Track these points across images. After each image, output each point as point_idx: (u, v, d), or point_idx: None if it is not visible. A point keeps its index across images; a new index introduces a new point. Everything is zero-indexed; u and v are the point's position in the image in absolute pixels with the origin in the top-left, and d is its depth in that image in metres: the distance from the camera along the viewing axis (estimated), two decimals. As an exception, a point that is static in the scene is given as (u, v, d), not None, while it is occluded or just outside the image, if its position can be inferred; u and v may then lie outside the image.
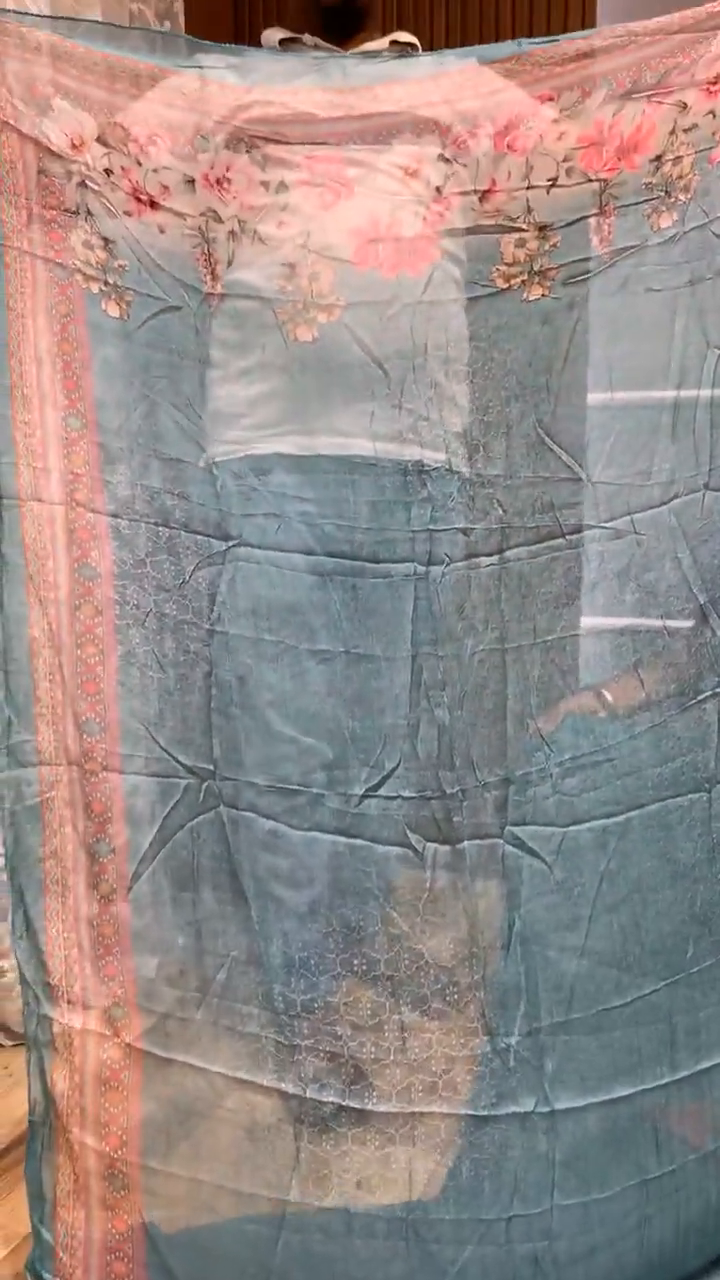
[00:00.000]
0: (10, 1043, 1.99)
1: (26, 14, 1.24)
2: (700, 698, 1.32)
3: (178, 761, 1.28)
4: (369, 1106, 1.28)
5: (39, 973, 1.28)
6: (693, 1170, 1.34)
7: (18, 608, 1.24)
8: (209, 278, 1.25)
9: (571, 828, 1.28)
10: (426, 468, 1.27)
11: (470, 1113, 1.28)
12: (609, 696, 1.32)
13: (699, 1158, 1.34)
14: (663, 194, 1.22)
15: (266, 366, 1.26)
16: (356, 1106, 1.28)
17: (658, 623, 1.29)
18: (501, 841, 1.27)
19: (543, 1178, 1.31)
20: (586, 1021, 1.30)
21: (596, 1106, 1.30)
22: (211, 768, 1.28)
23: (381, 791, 1.28)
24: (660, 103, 1.19)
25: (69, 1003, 1.28)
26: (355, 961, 1.29)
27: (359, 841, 1.29)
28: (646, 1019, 1.32)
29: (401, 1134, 1.29)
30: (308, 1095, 1.28)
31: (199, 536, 1.27)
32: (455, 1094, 1.27)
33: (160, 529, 1.26)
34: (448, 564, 1.28)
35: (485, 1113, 1.28)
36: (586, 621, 1.30)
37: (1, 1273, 1.45)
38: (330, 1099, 1.28)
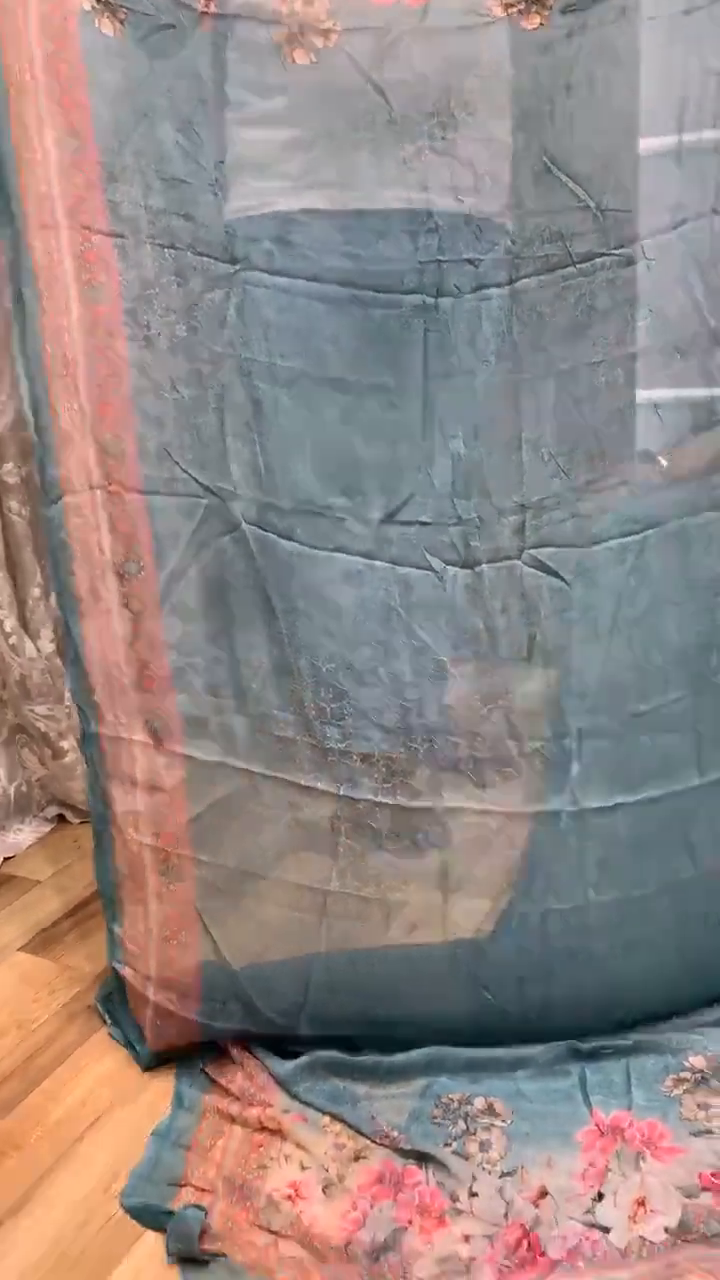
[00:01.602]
0: (78, 820, 2.15)
1: None
2: (714, 419, 1.29)
3: (198, 482, 1.32)
4: (401, 802, 1.34)
5: (85, 693, 1.38)
6: None
7: (35, 341, 1.29)
8: (203, -5, 1.24)
9: (590, 548, 1.28)
10: (433, 201, 1.24)
11: (500, 809, 1.32)
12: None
13: None
14: None
15: (269, 93, 1.24)
16: (389, 803, 1.34)
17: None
18: (520, 563, 1.28)
19: (576, 875, 1.35)
20: (611, 727, 1.32)
21: (625, 808, 1.33)
22: (232, 488, 1.32)
23: (400, 517, 1.30)
24: None
25: (114, 717, 1.38)
26: (381, 671, 1.33)
27: (380, 563, 1.31)
28: (671, 725, 1.32)
29: (435, 833, 1.34)
30: (342, 794, 1.35)
31: (206, 259, 1.28)
32: (484, 793, 1.32)
33: (167, 250, 1.28)
34: (457, 295, 1.26)
35: (515, 810, 1.32)
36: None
37: (80, 1003, 1.64)
38: (365, 796, 1.35)
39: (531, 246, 1.24)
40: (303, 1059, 1.42)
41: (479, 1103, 1.35)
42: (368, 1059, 1.42)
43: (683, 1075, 1.37)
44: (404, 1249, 1.16)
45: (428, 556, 1.30)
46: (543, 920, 1.36)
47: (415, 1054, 1.41)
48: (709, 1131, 1.28)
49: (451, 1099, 1.36)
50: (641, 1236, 1.14)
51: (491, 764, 1.32)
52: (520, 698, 1.30)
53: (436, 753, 1.32)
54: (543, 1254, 1.13)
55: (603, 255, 1.24)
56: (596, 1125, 1.30)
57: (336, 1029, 1.43)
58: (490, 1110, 1.34)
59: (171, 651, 1.35)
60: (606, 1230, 1.16)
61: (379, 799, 1.34)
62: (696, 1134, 1.27)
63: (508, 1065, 1.40)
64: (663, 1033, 1.43)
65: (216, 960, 1.41)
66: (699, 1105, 1.32)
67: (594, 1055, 1.41)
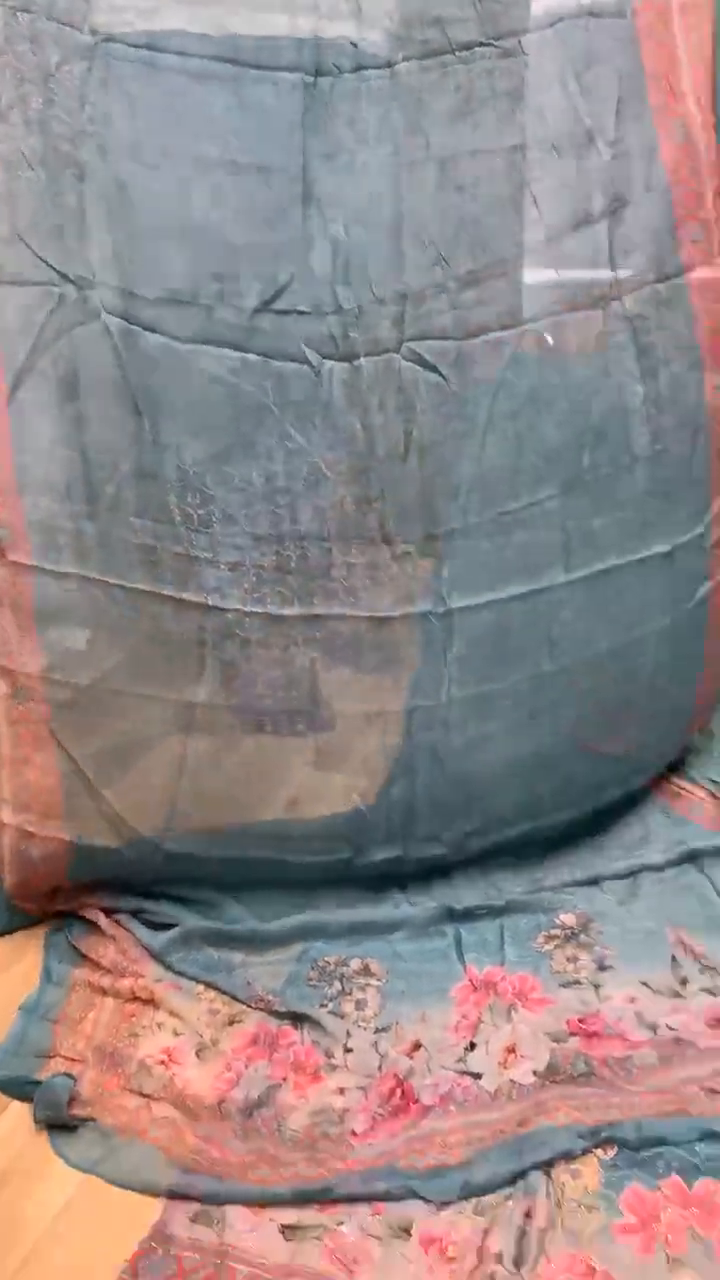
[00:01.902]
0: None
1: None
2: (591, 218, 1.27)
3: (53, 269, 1.20)
4: (271, 611, 1.29)
5: None
6: (583, 672, 1.37)
7: None
8: None
9: (468, 340, 1.23)
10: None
11: (370, 614, 1.29)
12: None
13: (590, 659, 1.37)
14: None
15: None
16: (259, 612, 1.29)
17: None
18: (398, 356, 1.22)
19: (440, 672, 1.33)
20: (483, 526, 1.29)
21: (492, 604, 1.31)
22: (91, 276, 1.20)
23: (276, 305, 1.21)
24: None
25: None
26: (253, 475, 1.25)
27: (253, 356, 1.23)
28: (541, 523, 1.30)
29: (304, 638, 1.30)
30: (210, 604, 1.28)
31: (65, 27, 1.15)
32: (355, 599, 1.27)
33: (19, 14, 1.14)
34: (337, 75, 1.19)
35: (384, 614, 1.28)
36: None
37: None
38: (233, 606, 1.28)
39: (411, 29, 1.19)
40: (175, 930, 1.39)
41: (355, 964, 1.35)
42: (242, 928, 1.40)
43: (553, 932, 1.39)
44: (278, 1104, 1.15)
45: (304, 349, 1.22)
46: (408, 717, 1.34)
47: (291, 920, 1.41)
48: (577, 982, 1.31)
49: (328, 962, 1.35)
50: (511, 1080, 1.16)
51: (364, 569, 1.27)
52: (394, 499, 1.24)
53: (309, 559, 1.26)
54: (415, 1101, 1.14)
55: (482, 45, 1.21)
56: (470, 981, 1.32)
57: (203, 847, 1.40)
58: (366, 971, 1.34)
59: (18, 453, 1.23)
60: (478, 1076, 1.18)
61: (248, 609, 1.28)
62: (565, 985, 1.30)
63: (384, 928, 1.41)
64: (535, 894, 1.46)
65: (78, 778, 1.34)
66: (568, 959, 1.35)
67: (469, 916, 1.42)
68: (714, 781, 1.68)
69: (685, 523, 1.39)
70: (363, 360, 1.22)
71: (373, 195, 1.20)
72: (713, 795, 1.66)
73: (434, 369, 1.22)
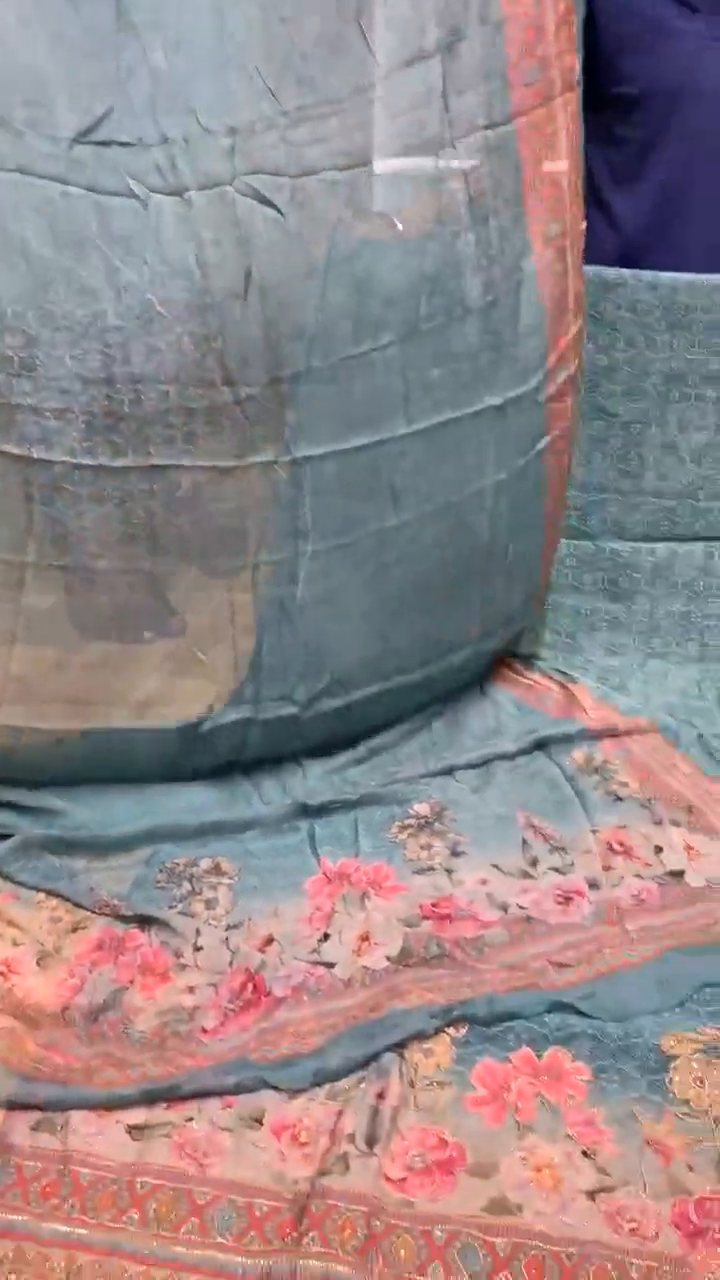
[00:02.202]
0: None
1: None
2: (425, 53, 1.18)
3: None
4: (103, 463, 1.19)
5: None
6: (427, 525, 1.35)
7: None
8: None
9: (303, 178, 1.15)
10: None
11: (212, 464, 1.21)
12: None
13: (432, 513, 1.35)
14: None
15: None
16: (90, 464, 1.19)
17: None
18: (232, 189, 1.13)
19: (287, 526, 1.28)
20: (326, 371, 1.23)
21: (337, 455, 1.26)
22: None
23: (95, 136, 1.10)
24: None
25: None
26: (79, 312, 1.13)
27: (75, 190, 1.11)
28: (382, 371, 1.25)
29: (140, 491, 1.21)
30: (35, 456, 1.17)
31: None
32: (195, 448, 1.19)
33: None
34: None
35: (228, 464, 1.22)
36: None
37: None
38: (61, 458, 1.18)
39: None
40: (14, 839, 1.31)
41: (205, 864, 1.31)
42: (84, 834, 1.34)
43: (407, 822, 1.39)
44: (124, 1007, 1.11)
45: (130, 181, 1.11)
46: (254, 572, 1.29)
47: (137, 825, 1.35)
48: (430, 869, 1.30)
49: (177, 863, 1.31)
50: (365, 967, 1.15)
51: (204, 415, 1.18)
52: (235, 340, 1.17)
53: (144, 404, 1.17)
54: (267, 994, 1.12)
55: None
56: (324, 874, 1.29)
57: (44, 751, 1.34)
58: (217, 870, 1.30)
59: None
60: (331, 965, 1.16)
61: (79, 460, 1.19)
62: (419, 872, 1.30)
63: (235, 828, 1.37)
64: (388, 786, 1.45)
65: None
66: (422, 847, 1.34)
67: (322, 811, 1.40)
68: (562, 673, 1.70)
69: (517, 376, 1.36)
70: (194, 193, 1.12)
71: (194, 24, 1.09)
72: (562, 686, 1.68)
73: (270, 204, 1.14)
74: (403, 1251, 0.87)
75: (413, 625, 1.42)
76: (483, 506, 1.39)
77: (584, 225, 1.38)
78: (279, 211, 1.14)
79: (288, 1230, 0.88)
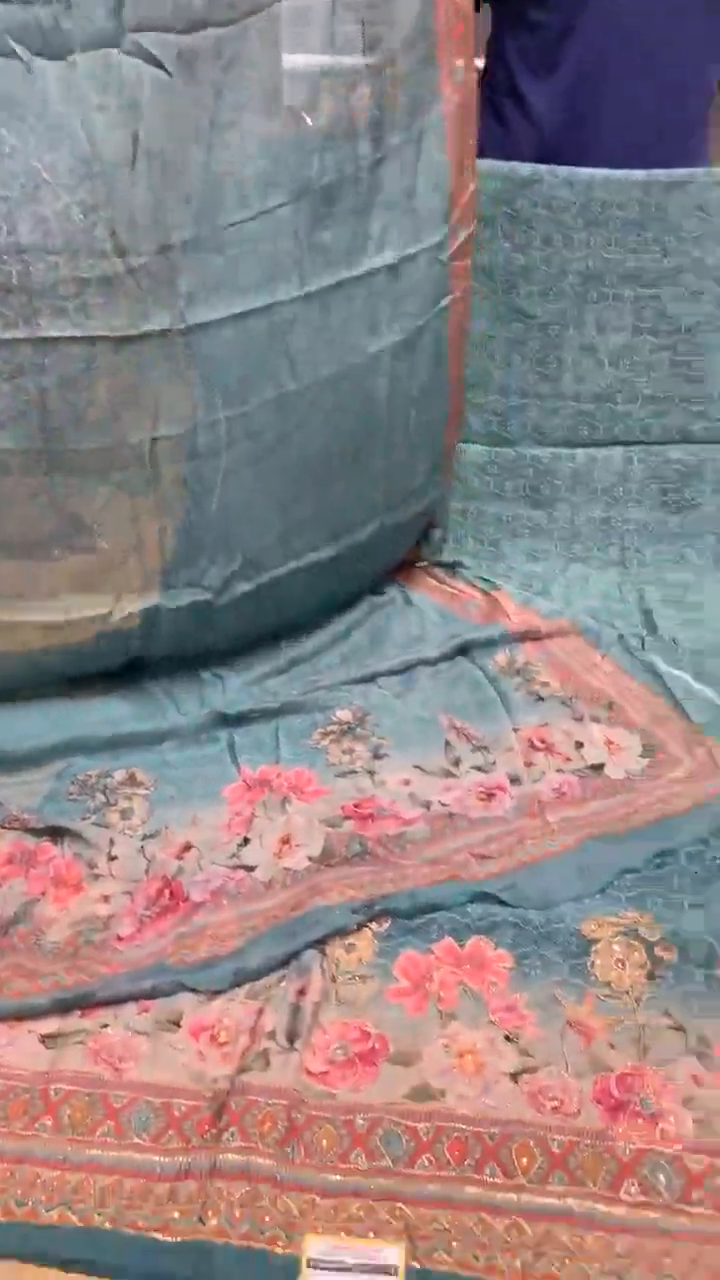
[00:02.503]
0: None
1: None
2: None
3: None
4: None
5: None
6: (325, 391, 1.31)
7: None
8: None
9: (191, 34, 1.06)
10: None
11: (105, 334, 1.15)
12: None
13: (330, 378, 1.30)
14: None
15: None
16: None
17: None
18: (118, 51, 1.05)
19: (185, 397, 1.23)
20: (216, 236, 1.17)
21: (231, 321, 1.21)
22: None
23: None
24: None
25: None
26: None
27: None
28: (273, 234, 1.20)
29: (30, 364, 1.14)
30: None
31: None
32: (88, 319, 1.13)
33: None
34: None
35: (122, 334, 1.15)
36: None
37: None
38: None
39: None
40: None
41: (119, 775, 1.27)
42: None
43: (329, 729, 1.36)
44: (35, 918, 1.07)
45: (10, 42, 1.03)
46: (151, 446, 1.23)
47: (47, 740, 1.30)
48: (352, 772, 1.28)
49: (90, 776, 1.27)
50: (286, 868, 1.13)
51: (97, 285, 1.12)
52: (124, 208, 1.10)
53: (32, 276, 1.10)
54: (185, 900, 1.09)
55: None
56: (244, 781, 1.26)
57: None
58: (132, 780, 1.26)
59: None
60: (251, 869, 1.13)
61: None
62: (341, 775, 1.27)
63: (151, 739, 1.33)
64: (310, 694, 1.41)
65: None
66: (344, 751, 1.32)
67: (242, 720, 1.36)
68: (485, 580, 1.69)
69: (414, 234, 1.32)
70: (79, 55, 1.04)
71: None
72: (484, 593, 1.66)
73: (158, 64, 1.06)
74: (324, 1141, 0.86)
75: (318, 497, 1.39)
76: (381, 370, 1.35)
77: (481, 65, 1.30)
78: (167, 72, 1.06)
79: (207, 1127, 0.87)
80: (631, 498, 1.72)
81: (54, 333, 1.12)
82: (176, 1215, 0.81)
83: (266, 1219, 0.80)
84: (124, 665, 1.40)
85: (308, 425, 1.31)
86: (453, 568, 1.71)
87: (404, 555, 1.67)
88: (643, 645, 1.51)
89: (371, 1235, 0.80)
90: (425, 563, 1.72)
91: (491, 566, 1.72)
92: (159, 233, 1.12)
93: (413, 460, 1.51)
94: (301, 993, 0.98)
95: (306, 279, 1.23)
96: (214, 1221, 0.80)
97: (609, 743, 1.31)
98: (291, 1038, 0.94)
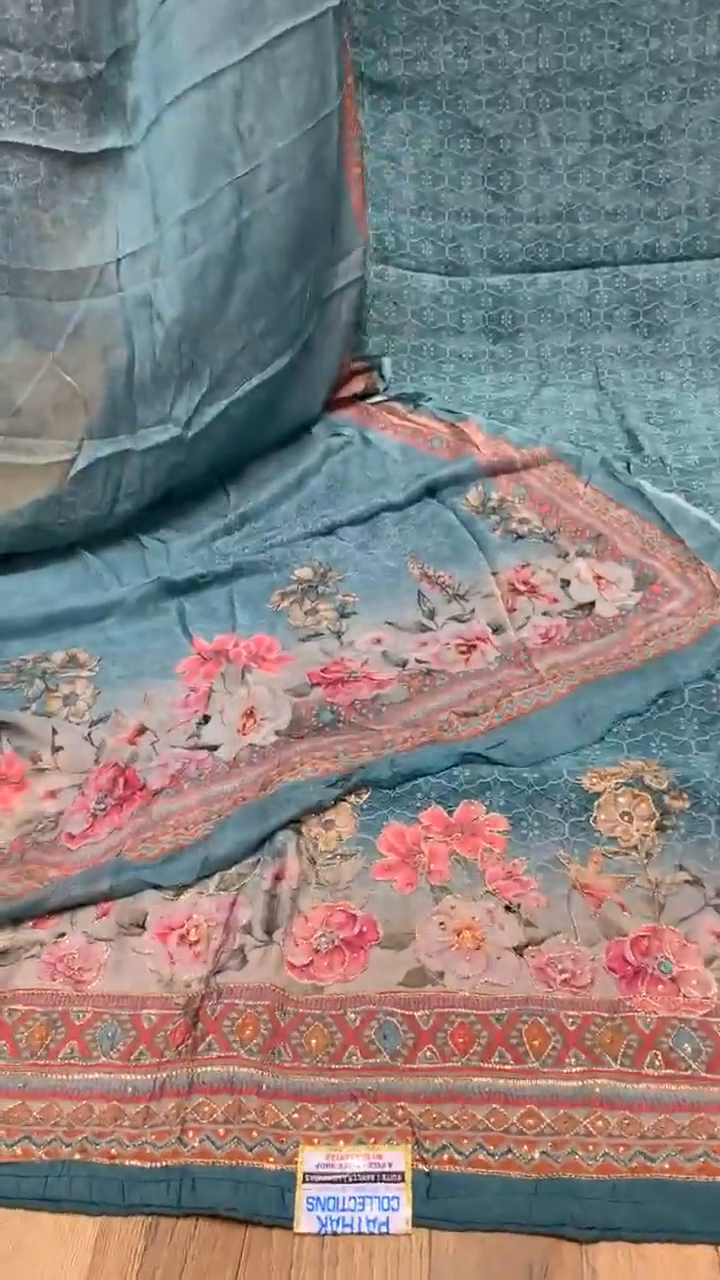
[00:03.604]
0: None
1: None
2: None
3: None
4: None
5: None
6: (280, 165, 1.22)
7: None
8: None
9: None
10: None
11: (67, 149, 1.10)
12: None
13: (287, 145, 1.22)
14: None
15: None
16: None
17: None
18: None
19: (143, 210, 1.16)
20: (156, 25, 1.12)
21: (178, 104, 1.14)
22: None
23: None
24: None
25: None
26: None
27: None
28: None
29: None
30: None
31: None
32: (50, 129, 1.08)
33: None
34: None
35: (81, 150, 1.11)
36: None
37: None
38: None
39: None
40: None
41: (59, 657, 1.14)
42: None
43: (289, 589, 1.23)
44: (-25, 824, 0.96)
45: None
46: (116, 267, 1.16)
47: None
48: (318, 634, 1.16)
49: (25, 660, 1.14)
50: (251, 745, 1.02)
51: (56, 91, 1.08)
52: (85, 4, 1.06)
53: None
54: (141, 788, 0.98)
55: None
56: (198, 653, 1.14)
57: None
58: (73, 662, 1.13)
59: None
60: (214, 749, 1.02)
61: None
62: (305, 639, 1.15)
63: (91, 615, 1.20)
64: (264, 553, 1.28)
65: None
66: (307, 613, 1.19)
67: (192, 587, 1.24)
68: (449, 412, 1.53)
69: None
70: None
71: None
72: (450, 425, 1.51)
73: None
74: (313, 1041, 0.77)
75: (273, 298, 1.31)
76: (330, 136, 1.28)
77: None
78: None
79: (181, 1038, 0.78)
80: (600, 323, 1.60)
81: (15, 138, 1.08)
82: (153, 1138, 0.72)
83: (254, 1134, 0.72)
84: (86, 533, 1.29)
85: (264, 214, 1.24)
86: (414, 400, 1.56)
87: (347, 361, 1.54)
88: (628, 467, 1.38)
89: (372, 1141, 0.71)
90: (382, 397, 1.56)
91: (456, 398, 1.57)
92: (115, 36, 1.09)
93: (339, 235, 1.42)
94: (278, 878, 0.88)
95: (249, 37, 1.16)
96: (196, 1142, 0.72)
97: (598, 578, 1.19)
98: (269, 929, 0.84)
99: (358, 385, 1.56)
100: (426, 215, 1.56)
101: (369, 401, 1.56)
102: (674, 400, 1.53)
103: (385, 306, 1.61)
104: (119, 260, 1.16)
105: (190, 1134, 0.72)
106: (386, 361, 1.59)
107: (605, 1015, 0.77)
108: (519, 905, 0.85)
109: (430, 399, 1.55)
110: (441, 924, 0.84)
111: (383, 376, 1.58)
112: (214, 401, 1.28)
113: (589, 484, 1.35)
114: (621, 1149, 0.70)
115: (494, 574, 1.22)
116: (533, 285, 1.58)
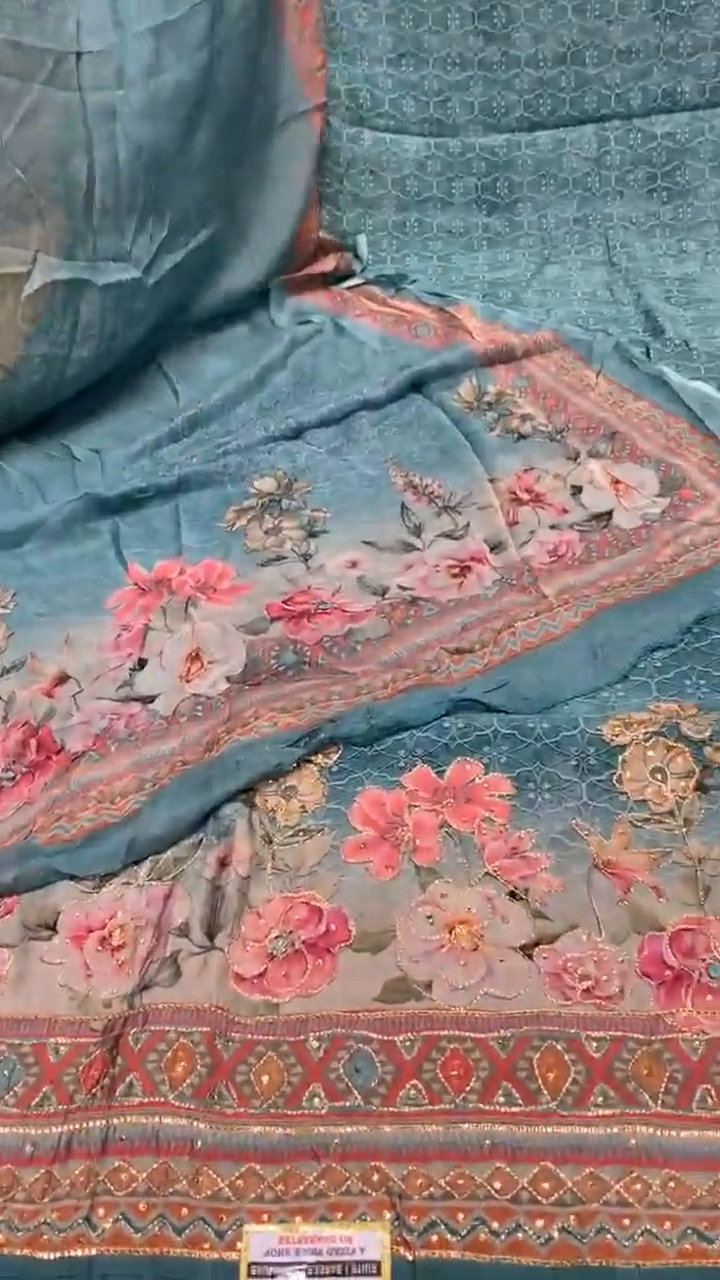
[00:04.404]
0: None
1: None
2: None
3: None
4: None
5: None
6: None
7: None
8: None
9: None
10: None
11: None
12: None
13: None
14: None
15: None
16: None
17: None
18: None
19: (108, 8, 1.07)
20: None
21: None
22: None
23: None
24: None
25: None
26: None
27: None
28: None
29: None
30: None
31: None
32: None
33: None
34: None
35: None
36: None
37: None
38: None
39: None
40: None
41: (-36, 592, 0.95)
42: None
43: (246, 505, 1.05)
44: None
45: None
46: (76, 62, 1.06)
47: None
48: (280, 558, 0.98)
49: None
50: (195, 695, 0.84)
51: None
52: None
53: None
54: (59, 751, 0.81)
55: None
56: (135, 583, 0.96)
57: None
58: (-18, 598, 0.95)
59: None
60: (150, 700, 0.84)
61: None
62: (265, 564, 0.97)
63: (8, 540, 1.02)
64: (217, 461, 1.09)
65: None
66: (267, 531, 1.01)
67: (129, 504, 1.05)
68: (440, 296, 1.34)
69: None
70: None
71: None
72: (439, 310, 1.31)
73: None
74: (265, 1078, 0.61)
75: (235, 139, 1.21)
76: None
77: None
78: None
79: (96, 1078, 0.61)
80: (611, 188, 1.43)
81: None
82: (55, 1218, 0.56)
83: (184, 1210, 0.56)
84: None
85: (232, 46, 1.16)
86: (396, 283, 1.37)
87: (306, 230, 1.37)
88: (647, 353, 1.21)
89: (339, 1216, 0.55)
90: (358, 280, 1.36)
91: (445, 280, 1.37)
92: None
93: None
94: (223, 864, 0.71)
95: None
96: (108, 1223, 0.55)
97: (615, 483, 1.03)
98: (211, 931, 0.68)
99: (328, 264, 1.36)
100: (406, 64, 1.37)
101: (343, 285, 1.36)
102: (698, 275, 1.36)
103: (360, 176, 1.40)
104: (79, 55, 1.06)
105: (101, 1212, 0.56)
106: (362, 239, 1.40)
107: (640, 1037, 0.61)
108: (526, 891, 0.69)
109: (415, 280, 1.38)
110: (429, 918, 0.67)
111: (358, 256, 1.39)
112: (172, 250, 1.18)
113: (601, 373, 1.19)
114: (668, 1224, 0.54)
115: (491, 481, 1.06)
116: (532, 145, 1.41)
